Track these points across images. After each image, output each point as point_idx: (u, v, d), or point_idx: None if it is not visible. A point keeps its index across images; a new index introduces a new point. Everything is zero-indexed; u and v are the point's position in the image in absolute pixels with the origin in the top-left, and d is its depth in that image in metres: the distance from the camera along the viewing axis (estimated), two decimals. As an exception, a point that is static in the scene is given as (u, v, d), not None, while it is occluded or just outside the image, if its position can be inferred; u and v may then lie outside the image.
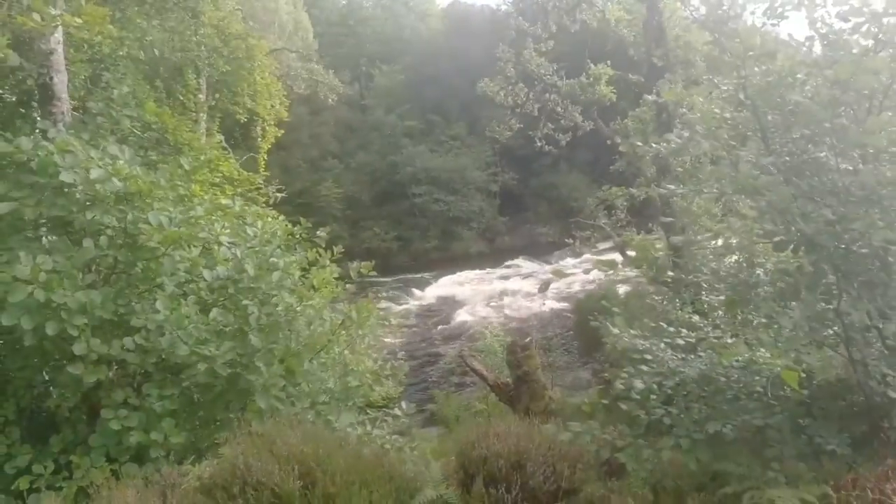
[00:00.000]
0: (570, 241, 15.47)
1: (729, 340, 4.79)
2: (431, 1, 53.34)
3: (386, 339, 11.84)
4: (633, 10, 16.30)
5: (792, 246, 3.10)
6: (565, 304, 19.12)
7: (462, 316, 21.20)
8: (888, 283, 3.21)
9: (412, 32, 47.85)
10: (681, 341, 4.74)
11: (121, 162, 5.56)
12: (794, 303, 3.39)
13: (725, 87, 3.67)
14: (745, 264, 4.09)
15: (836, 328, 3.53)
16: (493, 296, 23.37)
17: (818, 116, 3.06)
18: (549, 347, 13.52)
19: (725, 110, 4.12)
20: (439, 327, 20.35)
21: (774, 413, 3.98)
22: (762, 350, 4.24)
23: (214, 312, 5.70)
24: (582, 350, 14.07)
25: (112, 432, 4.91)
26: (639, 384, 3.91)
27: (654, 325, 5.15)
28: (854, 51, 4.03)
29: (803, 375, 3.42)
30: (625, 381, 3.96)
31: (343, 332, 7.15)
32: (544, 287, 22.18)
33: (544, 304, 20.32)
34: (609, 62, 16.29)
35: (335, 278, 7.26)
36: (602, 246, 15.10)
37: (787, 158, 3.79)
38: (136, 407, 5.07)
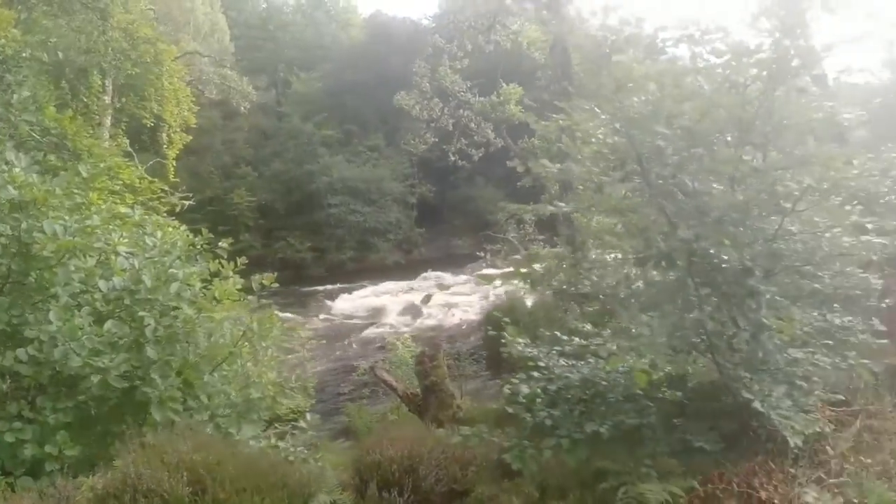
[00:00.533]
0: (482, 253, 15.90)
1: (614, 347, 5.19)
2: (353, 10, 53.20)
3: (296, 351, 11.70)
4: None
5: (653, 262, 3.45)
6: (477, 315, 19.50)
7: (376, 327, 21.21)
8: (744, 296, 3.60)
9: (332, 40, 47.48)
10: (569, 348, 5.09)
11: (17, 169, 5.42)
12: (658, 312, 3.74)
13: (604, 117, 4.01)
14: (636, 277, 4.45)
15: (703, 336, 3.93)
16: (407, 307, 23.50)
17: (677, 146, 3.43)
18: (459, 357, 13.78)
19: (608, 136, 4.49)
20: (353, 339, 20.26)
21: (650, 413, 4.35)
22: (646, 357, 4.64)
23: (109, 324, 5.62)
24: (490, 359, 14.41)
25: (6, 445, 4.82)
26: (524, 389, 4.18)
27: (549, 333, 5.49)
28: (727, 85, 4.50)
29: (655, 377, 3.77)
30: (512, 387, 4.23)
31: (246, 344, 7.11)
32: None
33: (454, 314, 20.71)
34: (524, 82, 16.92)
35: (240, 290, 7.20)
36: (515, 258, 15.57)
37: (661, 182, 4.19)
38: (31, 420, 4.99)
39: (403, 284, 27.97)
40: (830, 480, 4.67)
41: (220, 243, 7.02)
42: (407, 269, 31.95)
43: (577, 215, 9.31)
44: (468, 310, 21.04)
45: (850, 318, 5.25)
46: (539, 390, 4.23)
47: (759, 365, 3.70)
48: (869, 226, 3.94)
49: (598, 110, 4.10)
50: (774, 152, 4.44)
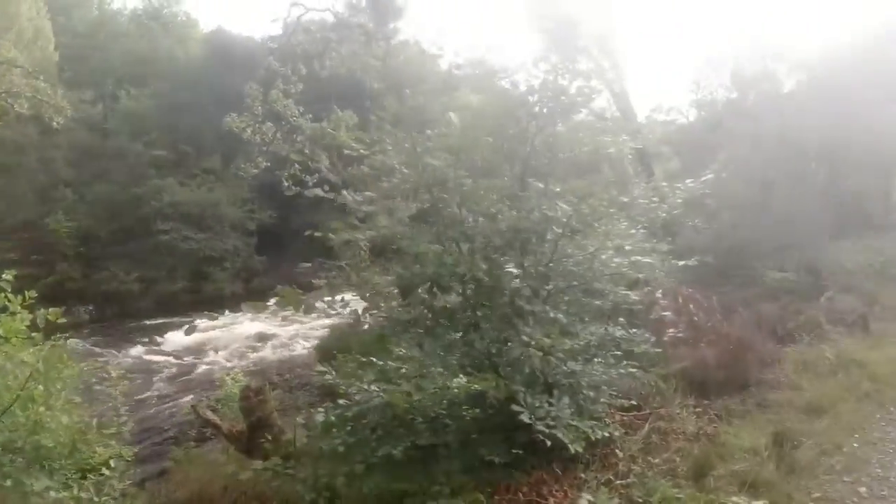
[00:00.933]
0: (317, 281, 15.57)
1: (433, 369, 5.34)
2: (193, 24, 50.52)
3: (108, 393, 10.73)
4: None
5: (426, 285, 3.61)
6: (313, 346, 19.10)
7: (207, 363, 19.99)
8: (514, 316, 3.87)
9: (168, 55, 44.49)
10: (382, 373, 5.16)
11: None
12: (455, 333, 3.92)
13: (390, 148, 4.17)
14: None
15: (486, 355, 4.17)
16: (242, 340, 22.49)
17: (445, 177, 3.65)
18: (292, 389, 13.37)
19: (403, 166, 4.66)
20: (183, 376, 18.92)
21: (448, 432, 4.51)
22: (461, 377, 4.80)
23: None
24: (322, 389, 14.15)
25: None
26: (319, 417, 4.16)
27: (364, 360, 5.53)
28: (512, 120, 4.85)
29: (417, 397, 3.88)
30: (306, 416, 4.20)
31: (40, 387, 6.46)
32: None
33: (290, 345, 20.22)
34: (361, 109, 16.99)
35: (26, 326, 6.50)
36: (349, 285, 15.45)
37: (449, 210, 4.41)
38: None
39: (239, 316, 26.78)
40: (618, 482, 5.11)
41: (2, 275, 6.29)
42: (246, 300, 30.50)
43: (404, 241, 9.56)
44: (306, 340, 20.58)
45: (636, 330, 5.85)
46: (333, 418, 4.23)
47: (527, 378, 3.97)
48: (628, 247, 4.41)
49: (387, 140, 4.24)
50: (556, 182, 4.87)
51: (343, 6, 15.90)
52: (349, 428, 4.32)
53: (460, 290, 3.60)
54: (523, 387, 4.03)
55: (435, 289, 3.58)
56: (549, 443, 4.53)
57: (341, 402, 4.63)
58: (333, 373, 4.99)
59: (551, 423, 3.91)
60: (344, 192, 3.97)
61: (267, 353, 20.79)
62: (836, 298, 13.34)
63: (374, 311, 4.75)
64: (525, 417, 3.83)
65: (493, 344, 3.85)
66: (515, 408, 3.89)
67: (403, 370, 3.69)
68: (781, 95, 22.07)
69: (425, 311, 4.06)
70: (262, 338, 22.63)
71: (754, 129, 19.37)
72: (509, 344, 3.93)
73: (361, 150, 4.74)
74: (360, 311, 4.70)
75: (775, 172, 17.89)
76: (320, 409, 4.49)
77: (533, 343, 3.91)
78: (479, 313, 3.79)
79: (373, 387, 4.99)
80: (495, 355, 3.98)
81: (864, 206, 20.96)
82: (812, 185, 18.39)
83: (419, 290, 3.61)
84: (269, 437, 9.05)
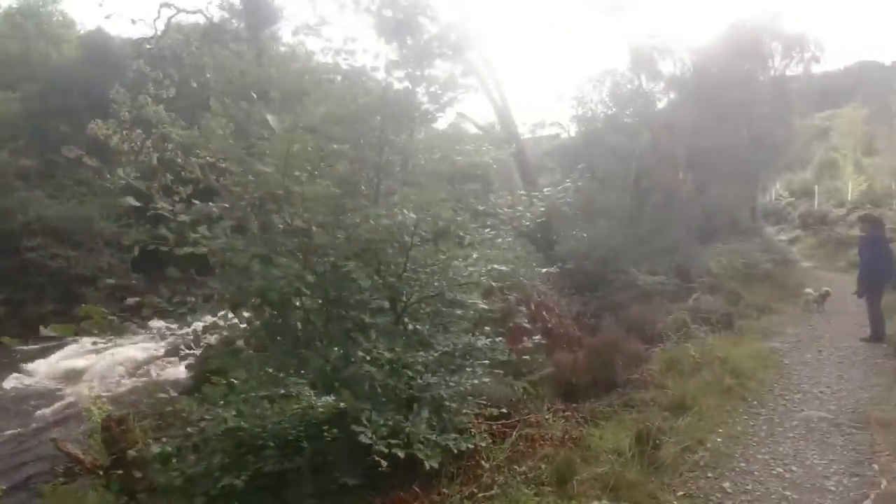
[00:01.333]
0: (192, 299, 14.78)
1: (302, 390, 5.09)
2: (70, 25, 46.70)
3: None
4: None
5: (251, 302, 3.43)
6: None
7: (77, 392, 18.48)
8: (355, 330, 3.75)
9: (41, 57, 41.05)
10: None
11: None
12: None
13: (229, 160, 3.96)
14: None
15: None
16: (122, 364, 20.94)
17: (276, 184, 3.50)
18: (162, 417, 12.52)
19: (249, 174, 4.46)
20: (51, 406, 17.37)
21: (301, 456, 4.29)
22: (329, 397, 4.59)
23: None
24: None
25: None
26: (155, 448, 3.86)
27: (237, 381, 5.20)
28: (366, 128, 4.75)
29: (232, 423, 3.69)
30: (139, 448, 3.88)
31: None
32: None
33: (167, 369, 19.12)
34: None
35: None
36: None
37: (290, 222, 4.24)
38: None
39: (114, 339, 24.92)
40: (481, 494, 5.03)
41: None
42: (123, 320, 28.48)
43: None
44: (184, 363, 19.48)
45: (500, 339, 5.85)
46: (170, 448, 3.92)
47: (373, 394, 3.86)
48: (475, 255, 4.40)
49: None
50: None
51: (217, 9, 15.29)
52: (193, 458, 4.02)
53: (299, 305, 3.44)
54: (370, 404, 3.90)
55: (263, 304, 3.41)
56: (385, 463, 4.41)
57: (190, 429, 4.32)
58: (185, 397, 4.67)
59: (394, 441, 3.80)
60: (160, 201, 3.71)
61: (147, 377, 19.51)
62: (702, 299, 14.12)
63: (217, 331, 4.48)
64: (364, 438, 3.69)
65: (333, 361, 3.70)
66: (356, 427, 3.74)
67: (228, 395, 3.46)
68: (655, 112, 23.42)
69: (261, 328, 3.86)
70: (145, 361, 21.23)
71: (630, 143, 20.44)
72: (353, 360, 3.80)
73: (209, 158, 4.50)
74: (199, 331, 4.43)
75: (649, 183, 18.94)
76: (163, 439, 4.15)
77: (368, 358, 3.80)
78: (321, 329, 3.63)
79: (224, 412, 4.71)
80: (335, 372, 3.82)
81: (731, 213, 22.61)
82: (682, 194, 19.61)
83: (249, 305, 3.42)
84: (132, 471, 8.52)
